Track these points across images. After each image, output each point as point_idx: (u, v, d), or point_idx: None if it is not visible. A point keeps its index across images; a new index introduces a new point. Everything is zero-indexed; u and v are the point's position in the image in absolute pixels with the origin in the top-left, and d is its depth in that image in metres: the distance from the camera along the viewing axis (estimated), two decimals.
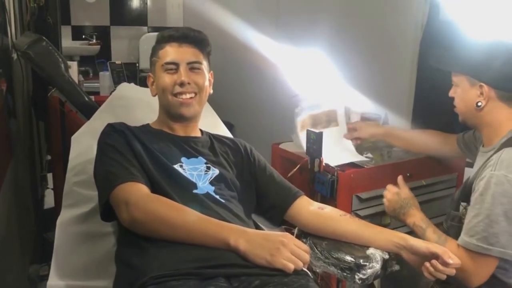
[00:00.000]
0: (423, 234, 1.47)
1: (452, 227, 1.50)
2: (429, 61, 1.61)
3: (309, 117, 1.92)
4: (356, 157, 1.88)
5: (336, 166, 1.76)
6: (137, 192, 1.19)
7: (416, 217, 1.53)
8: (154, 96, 1.47)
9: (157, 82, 1.43)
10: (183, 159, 1.37)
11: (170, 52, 1.40)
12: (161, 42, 1.43)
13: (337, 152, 1.86)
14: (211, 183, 1.35)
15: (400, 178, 1.63)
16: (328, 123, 1.95)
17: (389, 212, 1.62)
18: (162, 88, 1.40)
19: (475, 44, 1.52)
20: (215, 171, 1.38)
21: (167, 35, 1.42)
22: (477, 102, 1.44)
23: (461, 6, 2.20)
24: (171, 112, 1.42)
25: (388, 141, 1.92)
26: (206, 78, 1.44)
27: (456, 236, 1.41)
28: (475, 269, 1.34)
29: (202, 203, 1.26)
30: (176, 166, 1.34)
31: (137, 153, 1.31)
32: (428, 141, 1.84)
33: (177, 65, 1.39)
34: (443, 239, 1.43)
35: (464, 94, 1.48)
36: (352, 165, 1.81)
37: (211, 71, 1.48)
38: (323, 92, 2.02)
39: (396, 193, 1.59)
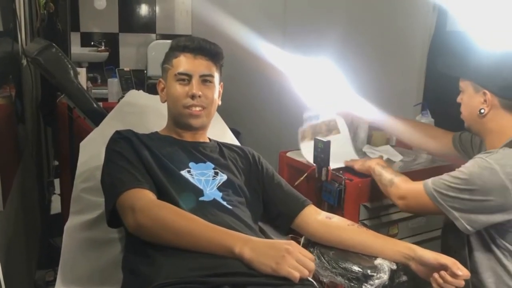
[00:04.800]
0: (380, 171, 1.63)
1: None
2: (437, 67, 1.63)
3: (309, 127, 1.94)
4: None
5: (344, 176, 1.76)
6: (143, 198, 1.19)
7: (377, 160, 1.70)
8: (164, 102, 1.47)
9: (168, 90, 1.44)
10: (191, 164, 1.37)
11: (184, 63, 1.40)
12: (175, 50, 1.43)
13: (340, 155, 1.86)
14: (219, 188, 1.34)
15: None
16: (328, 132, 1.96)
17: (359, 169, 1.75)
18: (173, 97, 1.41)
19: (484, 53, 1.53)
20: (223, 177, 1.38)
21: (183, 45, 1.41)
22: (480, 109, 1.46)
23: (468, 17, 2.20)
24: (179, 122, 1.43)
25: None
26: (216, 91, 1.45)
27: (456, 240, 1.49)
28: (415, 204, 1.50)
29: (209, 211, 1.26)
30: (184, 172, 1.34)
31: (144, 160, 1.31)
32: (416, 131, 1.86)
33: (190, 76, 1.39)
34: (395, 175, 1.58)
35: (468, 100, 1.50)
36: (360, 174, 1.81)
37: (221, 83, 1.49)
38: (330, 100, 2.03)
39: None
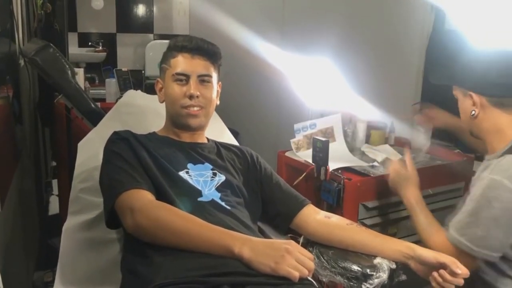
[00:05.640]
0: (416, 215, 1.54)
1: None
2: (429, 79, 1.62)
3: (304, 137, 1.95)
4: (356, 163, 1.90)
5: (343, 175, 1.76)
6: (142, 198, 1.19)
7: (415, 195, 1.59)
8: (162, 102, 1.47)
9: (166, 91, 1.43)
10: (189, 165, 1.37)
11: (182, 63, 1.39)
12: (173, 50, 1.42)
13: (338, 160, 1.86)
14: (217, 189, 1.34)
15: (406, 150, 1.72)
16: None
17: (391, 181, 1.67)
18: (171, 98, 1.40)
19: (466, 56, 1.53)
20: (221, 177, 1.38)
21: (180, 45, 1.40)
22: (471, 111, 1.45)
23: (465, 15, 2.20)
24: (177, 122, 1.43)
25: (458, 134, 1.88)
26: (214, 91, 1.44)
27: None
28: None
29: (207, 211, 1.25)
30: (182, 173, 1.33)
31: (143, 160, 1.30)
32: None
33: (187, 76, 1.39)
34: (432, 226, 1.49)
35: (461, 105, 1.50)
36: (358, 173, 1.81)
37: (220, 82, 1.48)
38: (329, 100, 2.03)
39: (402, 163, 1.67)
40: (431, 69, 1.74)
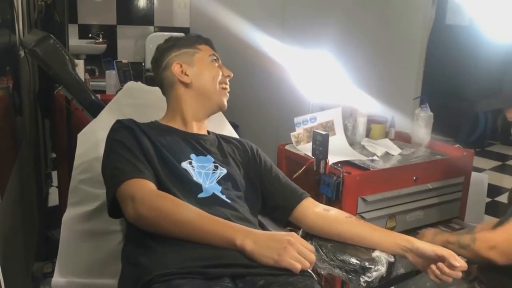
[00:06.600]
0: (455, 237, 1.49)
1: None
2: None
3: (303, 131, 1.95)
4: (355, 157, 1.89)
5: (342, 169, 1.76)
6: (143, 188, 1.19)
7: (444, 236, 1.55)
8: (189, 83, 1.43)
9: (201, 71, 1.43)
10: (192, 155, 1.36)
11: (210, 49, 1.47)
12: (197, 40, 1.48)
13: (338, 154, 1.87)
14: (219, 182, 1.34)
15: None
16: None
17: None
18: (212, 75, 1.43)
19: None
20: (223, 171, 1.37)
21: (205, 38, 1.49)
22: None
23: (467, 11, 2.20)
24: (213, 101, 1.44)
25: None
26: None
27: None
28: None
29: (208, 206, 1.25)
30: (185, 164, 1.33)
31: (145, 150, 1.30)
32: None
33: (219, 60, 1.47)
34: (471, 233, 1.46)
35: None
36: (358, 167, 1.81)
37: None
38: (329, 94, 2.03)
39: None
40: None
